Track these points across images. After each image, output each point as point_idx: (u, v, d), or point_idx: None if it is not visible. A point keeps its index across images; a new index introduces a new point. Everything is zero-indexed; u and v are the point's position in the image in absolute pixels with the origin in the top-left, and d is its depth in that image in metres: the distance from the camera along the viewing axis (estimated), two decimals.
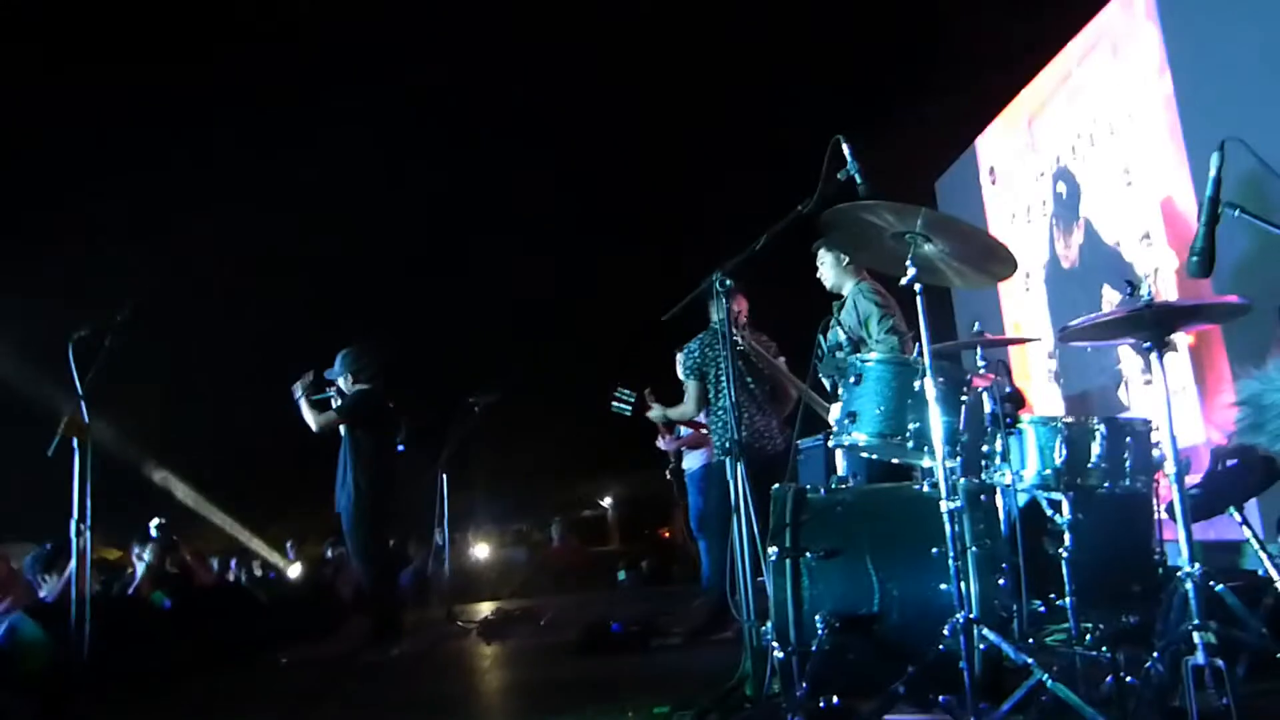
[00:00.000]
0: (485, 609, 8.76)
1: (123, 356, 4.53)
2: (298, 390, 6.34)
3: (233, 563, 11.55)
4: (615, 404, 6.57)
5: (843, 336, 4.74)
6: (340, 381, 6.45)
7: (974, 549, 3.04)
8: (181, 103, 14.45)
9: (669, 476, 8.03)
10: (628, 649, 5.21)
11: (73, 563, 4.27)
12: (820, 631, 3.07)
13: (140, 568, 6.88)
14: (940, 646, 2.84)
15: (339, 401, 6.39)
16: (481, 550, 15.24)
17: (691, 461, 7.57)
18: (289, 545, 13.08)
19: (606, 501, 29.50)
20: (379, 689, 5.10)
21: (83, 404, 4.33)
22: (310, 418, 6.29)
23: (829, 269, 5.06)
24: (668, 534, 23.05)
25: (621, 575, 12.99)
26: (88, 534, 4.25)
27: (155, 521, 7.08)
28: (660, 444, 7.61)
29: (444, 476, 8.05)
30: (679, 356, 7.06)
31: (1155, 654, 2.69)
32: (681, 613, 6.69)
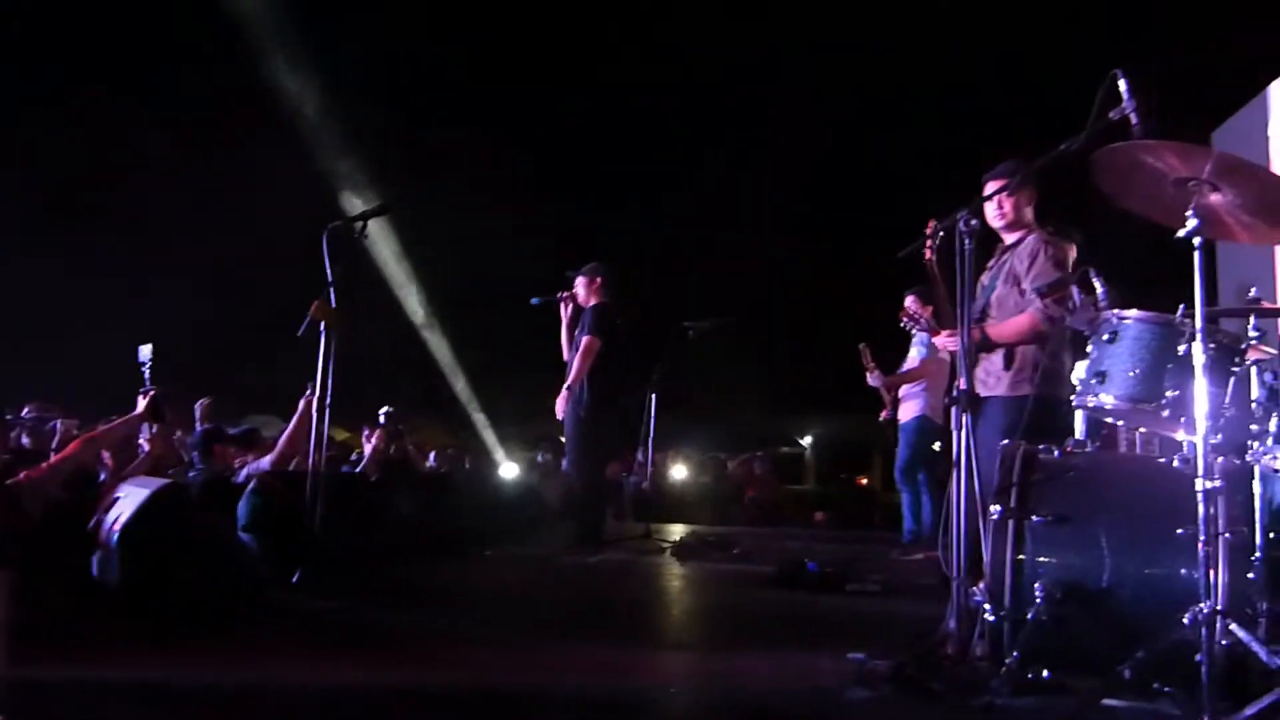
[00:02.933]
0: (678, 530, 8.89)
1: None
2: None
3: (448, 453, 12.22)
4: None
5: (1000, 286, 4.36)
6: (585, 283, 6.90)
7: (1227, 535, 2.75)
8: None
9: (885, 425, 7.89)
10: (823, 590, 5.12)
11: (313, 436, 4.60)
12: (1039, 600, 2.88)
13: (367, 450, 7.39)
14: (1176, 635, 2.61)
15: (568, 307, 6.94)
16: (679, 473, 15.45)
17: (906, 412, 7.39)
18: (502, 446, 13.73)
19: (806, 441, 29.30)
20: (575, 593, 5.28)
21: (331, 291, 4.63)
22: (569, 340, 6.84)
23: (1013, 210, 4.38)
24: (864, 480, 22.71)
25: (820, 516, 12.89)
26: (328, 412, 4.58)
27: (384, 409, 7.58)
28: (870, 380, 7.60)
29: (653, 397, 8.16)
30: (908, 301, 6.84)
31: None
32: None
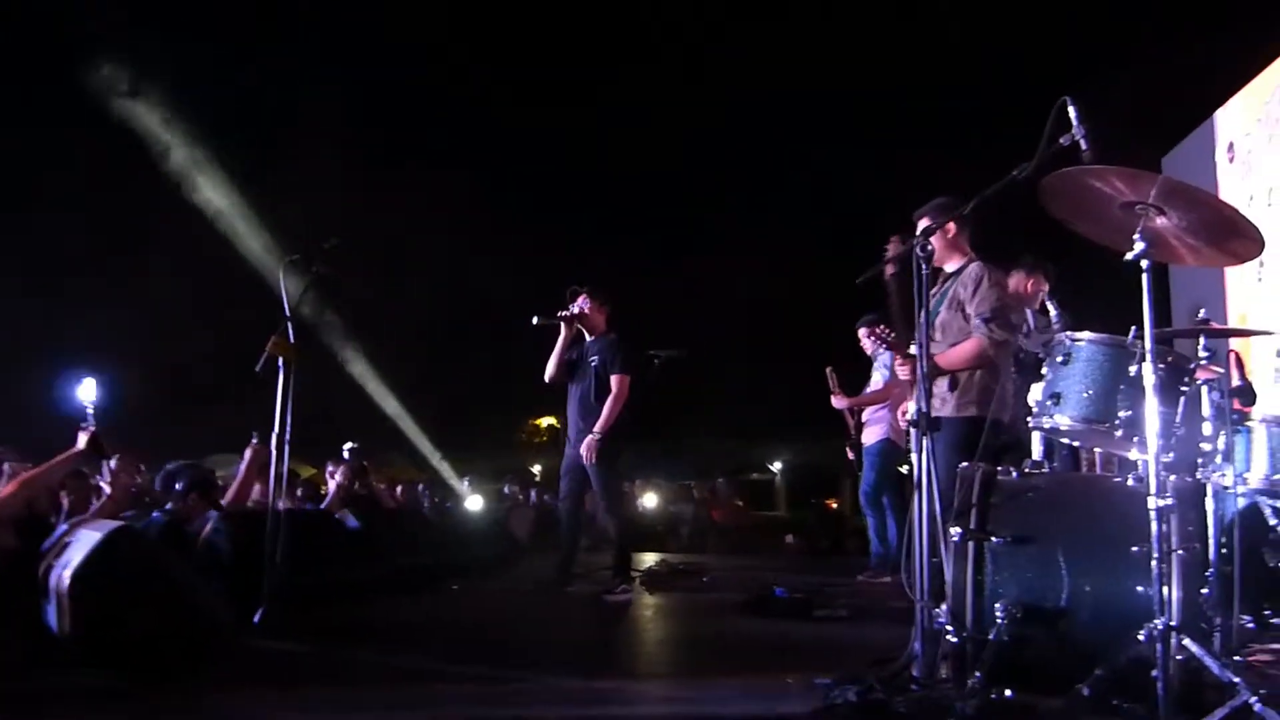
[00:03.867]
0: (649, 560, 8.86)
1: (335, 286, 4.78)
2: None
3: (418, 488, 12.11)
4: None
5: (943, 311, 4.44)
6: (594, 303, 6.45)
7: (1180, 552, 2.80)
8: None
9: (849, 451, 7.94)
10: (791, 616, 5.13)
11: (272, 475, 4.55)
12: (1000, 620, 2.91)
13: (332, 486, 7.32)
14: (1132, 652, 2.65)
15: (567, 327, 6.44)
16: (649, 501, 15.43)
17: (870, 436, 7.44)
18: (466, 480, 13.63)
19: (776, 467, 29.39)
20: (545, 626, 5.25)
21: (289, 325, 4.59)
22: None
23: (935, 241, 4.25)
24: (834, 504, 22.79)
25: (790, 539, 12.91)
26: (287, 449, 4.52)
27: (348, 445, 7.52)
28: (835, 403, 7.67)
29: None
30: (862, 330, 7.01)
31: None
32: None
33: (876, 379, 7.48)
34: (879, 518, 7.42)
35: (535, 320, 6.42)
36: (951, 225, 4.42)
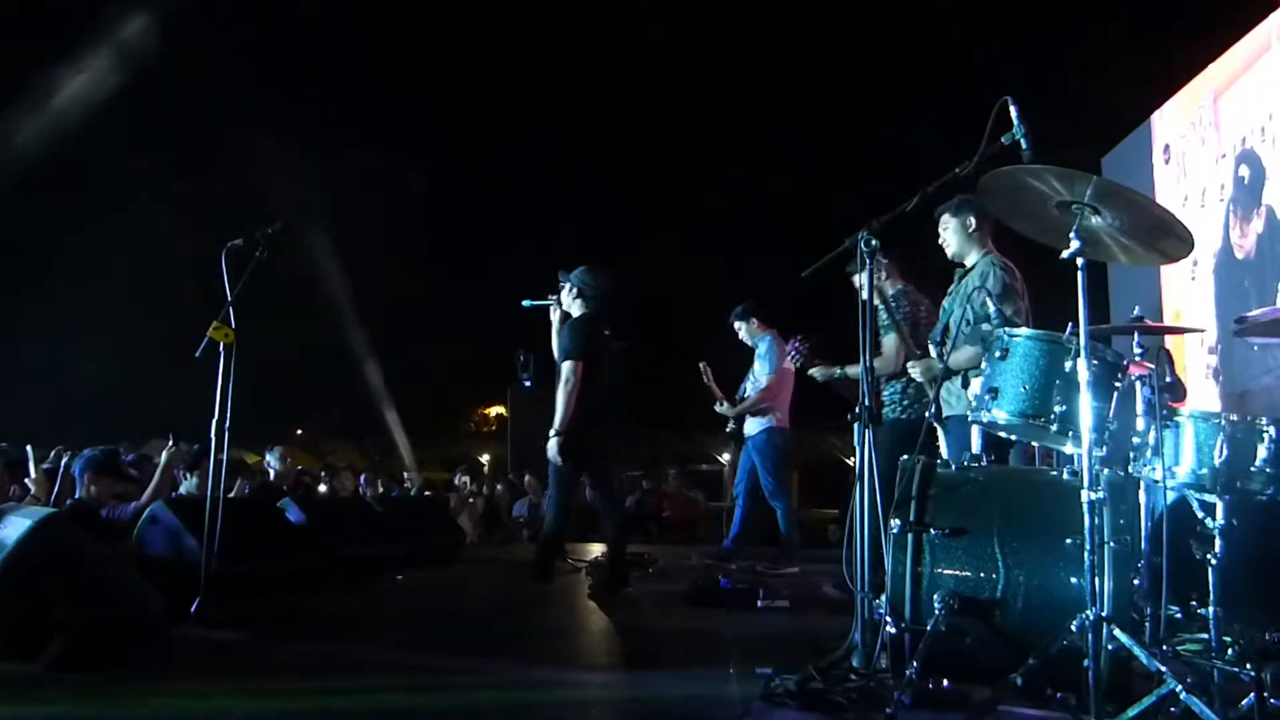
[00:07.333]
0: (595, 550, 8.87)
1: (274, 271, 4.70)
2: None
3: (362, 479, 11.97)
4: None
5: (957, 310, 4.50)
6: (565, 291, 5.98)
7: (1112, 544, 2.87)
8: None
9: (730, 434, 7.89)
10: (735, 606, 5.17)
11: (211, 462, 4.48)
12: (938, 611, 2.96)
13: (272, 473, 7.22)
14: (1064, 641, 2.71)
15: (556, 311, 6.09)
16: None
17: (753, 426, 7.44)
18: (409, 470, 13.49)
19: (725, 458, 29.51)
20: (488, 616, 5.23)
21: (231, 310, 4.51)
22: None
23: (953, 235, 4.63)
24: None
25: None
26: (226, 436, 4.45)
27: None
28: (722, 409, 7.72)
29: None
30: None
31: None
32: None
33: (757, 368, 7.49)
34: (787, 506, 7.47)
35: (525, 303, 6.13)
36: (971, 219, 4.52)
